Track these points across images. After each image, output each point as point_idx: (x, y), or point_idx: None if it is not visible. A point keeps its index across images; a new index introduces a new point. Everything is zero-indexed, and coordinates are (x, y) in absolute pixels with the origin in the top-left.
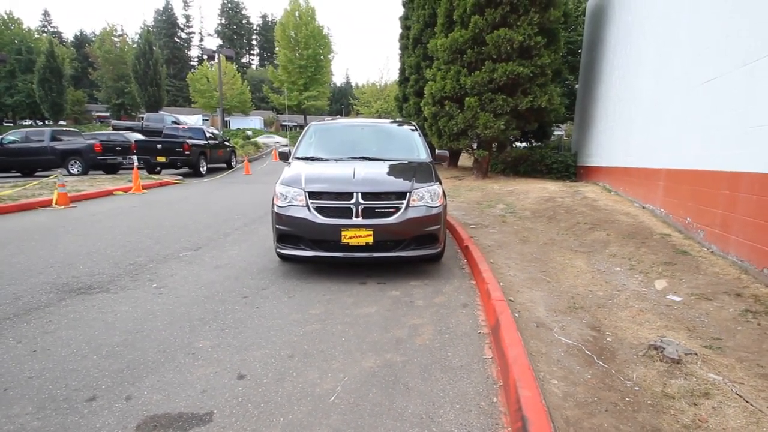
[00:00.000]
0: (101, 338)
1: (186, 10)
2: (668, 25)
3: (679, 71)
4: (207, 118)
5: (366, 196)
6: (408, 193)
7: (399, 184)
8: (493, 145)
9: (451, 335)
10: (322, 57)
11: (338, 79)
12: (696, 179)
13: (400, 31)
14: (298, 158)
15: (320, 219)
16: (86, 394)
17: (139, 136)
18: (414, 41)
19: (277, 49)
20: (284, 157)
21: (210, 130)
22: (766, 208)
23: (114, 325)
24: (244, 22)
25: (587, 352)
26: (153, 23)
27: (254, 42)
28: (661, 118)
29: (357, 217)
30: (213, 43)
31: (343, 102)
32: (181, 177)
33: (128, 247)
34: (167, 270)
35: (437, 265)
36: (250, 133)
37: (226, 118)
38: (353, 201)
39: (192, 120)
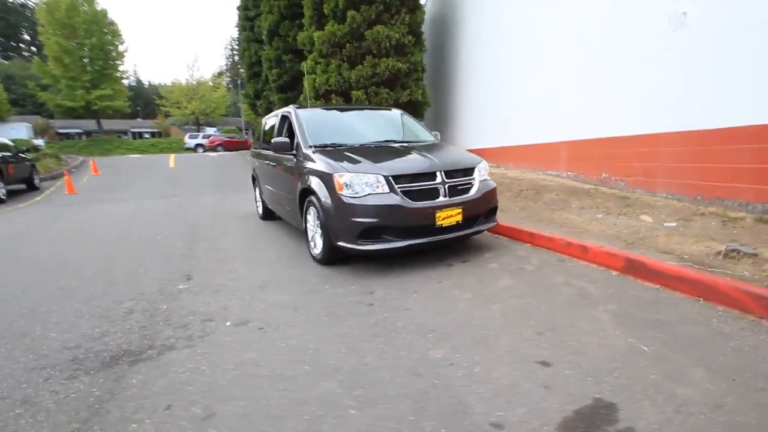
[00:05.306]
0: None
1: None
2: (576, 24)
3: (585, 63)
4: None
5: (448, 174)
6: (475, 169)
7: (466, 160)
8: None
9: (621, 284)
10: (111, 48)
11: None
12: (609, 144)
13: (239, 22)
14: (316, 147)
15: (413, 204)
16: None
17: None
18: (270, 33)
19: (41, 36)
20: (286, 147)
21: None
22: (687, 156)
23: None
24: None
25: (698, 265)
26: None
27: None
28: (561, 103)
29: (444, 196)
30: None
31: (138, 102)
32: None
33: (108, 290)
34: (208, 307)
35: (472, 240)
36: (41, 142)
37: None
38: (439, 181)
39: None
